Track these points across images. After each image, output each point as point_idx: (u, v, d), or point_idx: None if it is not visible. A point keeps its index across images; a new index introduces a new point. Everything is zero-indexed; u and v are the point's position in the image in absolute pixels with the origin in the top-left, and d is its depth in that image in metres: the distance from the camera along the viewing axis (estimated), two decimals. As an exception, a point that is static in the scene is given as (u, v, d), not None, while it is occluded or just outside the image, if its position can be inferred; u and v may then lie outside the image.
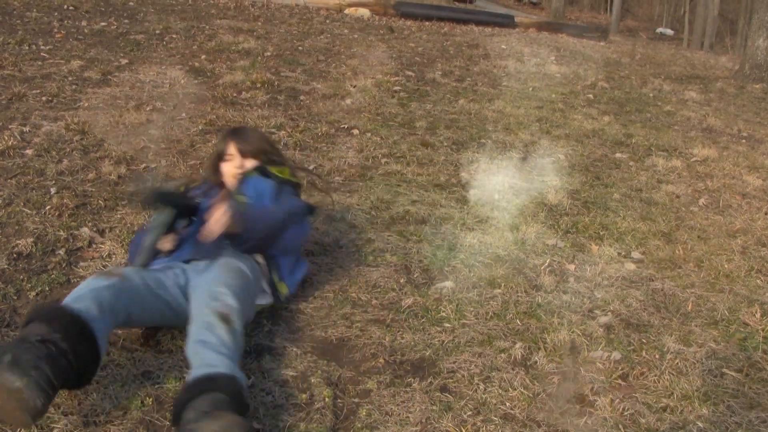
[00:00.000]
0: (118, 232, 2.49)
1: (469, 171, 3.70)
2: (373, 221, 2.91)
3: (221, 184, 2.22)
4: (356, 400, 1.76)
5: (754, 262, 2.89)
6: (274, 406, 1.68)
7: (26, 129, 3.44)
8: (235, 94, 4.61)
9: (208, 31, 6.66)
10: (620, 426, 1.74)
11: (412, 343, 2.03)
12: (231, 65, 5.37)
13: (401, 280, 2.41)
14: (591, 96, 6.23)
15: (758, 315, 2.39)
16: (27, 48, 5.05)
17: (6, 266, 2.19)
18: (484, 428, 1.68)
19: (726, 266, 2.82)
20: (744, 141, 5.23)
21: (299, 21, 8.21)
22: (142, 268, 1.89)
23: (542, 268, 2.61)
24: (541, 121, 4.99)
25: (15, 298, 2.04)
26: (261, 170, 2.24)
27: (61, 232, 2.43)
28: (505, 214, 3.12)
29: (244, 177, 2.21)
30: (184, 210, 2.01)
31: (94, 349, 1.55)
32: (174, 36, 6.22)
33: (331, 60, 6.21)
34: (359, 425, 1.66)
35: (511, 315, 2.24)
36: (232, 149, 2.25)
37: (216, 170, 2.28)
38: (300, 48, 6.56)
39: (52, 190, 2.77)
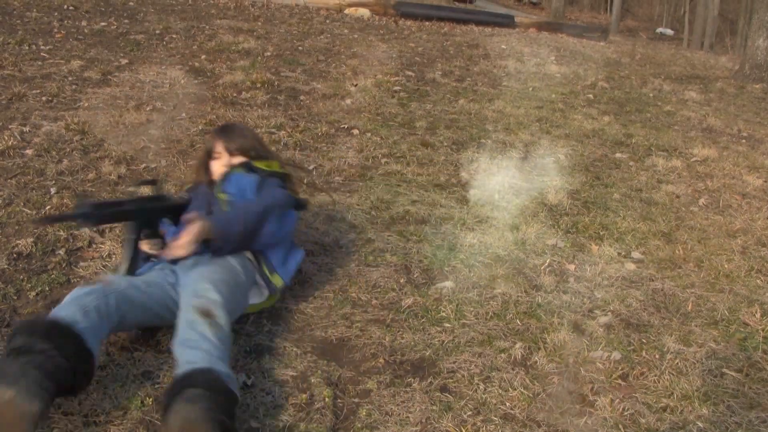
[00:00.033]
0: (118, 232, 2.49)
1: (469, 171, 3.70)
2: (373, 221, 2.91)
3: (211, 183, 2.23)
4: (356, 400, 1.76)
5: (754, 262, 2.89)
6: (274, 406, 1.68)
7: (26, 129, 3.44)
8: (235, 94, 4.61)
9: (208, 31, 6.66)
10: (620, 426, 1.74)
11: (412, 343, 2.03)
12: (231, 65, 5.37)
13: (401, 280, 2.41)
14: (591, 96, 6.23)
15: (758, 315, 2.39)
16: (27, 48, 5.05)
17: (6, 266, 2.19)
18: (484, 428, 1.68)
19: (726, 266, 2.82)
20: (744, 141, 5.23)
21: (299, 21, 8.21)
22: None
23: (542, 268, 2.61)
24: (541, 121, 4.99)
25: (15, 298, 2.04)
26: (246, 166, 2.23)
27: (61, 232, 2.43)
28: (505, 214, 3.12)
29: (227, 174, 2.21)
30: (148, 216, 1.98)
31: (83, 348, 1.55)
32: (174, 36, 6.22)
33: (331, 60, 6.21)
34: (359, 425, 1.66)
35: (511, 315, 2.24)
36: (219, 147, 2.26)
37: (207, 169, 2.29)
38: (300, 48, 6.56)
39: (52, 190, 2.77)
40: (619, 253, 2.85)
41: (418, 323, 2.14)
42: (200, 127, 3.79)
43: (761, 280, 2.73)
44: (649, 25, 29.19)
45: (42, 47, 5.13)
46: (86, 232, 2.45)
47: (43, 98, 3.98)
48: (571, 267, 2.66)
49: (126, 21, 6.56)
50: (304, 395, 1.74)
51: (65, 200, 2.66)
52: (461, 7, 14.68)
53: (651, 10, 31.84)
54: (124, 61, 5.07)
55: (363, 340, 2.02)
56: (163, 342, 1.91)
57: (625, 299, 2.44)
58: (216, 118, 3.97)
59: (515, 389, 1.84)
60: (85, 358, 1.56)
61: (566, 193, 3.46)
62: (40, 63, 4.73)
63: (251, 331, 2.00)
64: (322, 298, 2.25)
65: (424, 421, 1.69)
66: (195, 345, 1.61)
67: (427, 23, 9.89)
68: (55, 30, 5.75)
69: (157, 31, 6.29)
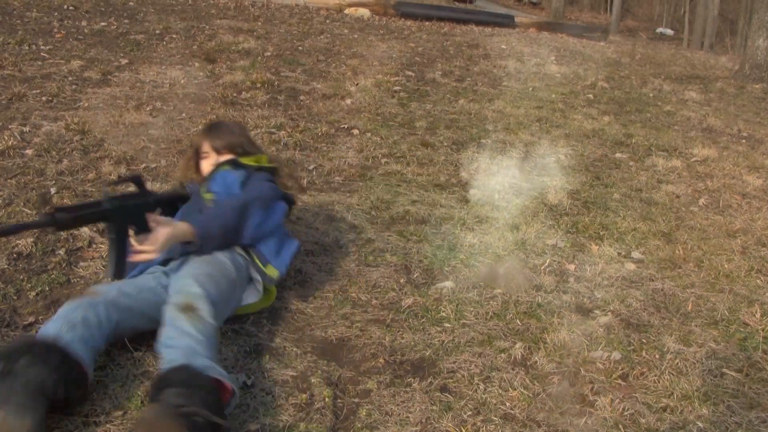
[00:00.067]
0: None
1: (469, 171, 3.70)
2: (373, 221, 2.91)
3: (203, 181, 2.23)
4: (356, 400, 1.76)
5: (754, 262, 2.89)
6: (274, 406, 1.68)
7: (26, 129, 3.44)
8: (235, 94, 4.61)
9: (208, 31, 6.66)
10: (620, 426, 1.74)
11: (412, 343, 2.03)
12: (231, 65, 5.38)
13: (401, 280, 2.41)
14: (591, 96, 6.23)
15: (758, 315, 2.39)
16: (27, 48, 5.05)
17: (6, 266, 2.19)
18: (484, 428, 1.68)
19: (726, 266, 2.82)
20: (744, 141, 5.23)
21: (299, 21, 8.21)
22: (119, 279, 1.89)
23: (542, 268, 2.61)
24: (541, 121, 4.99)
25: (15, 298, 2.04)
26: (233, 163, 2.22)
27: (61, 232, 2.43)
28: (505, 214, 3.12)
29: (213, 173, 2.20)
30: (129, 214, 1.91)
31: (69, 358, 1.54)
32: (174, 36, 6.22)
33: (331, 60, 6.21)
34: (359, 425, 1.66)
35: (511, 315, 2.24)
36: (206, 147, 2.26)
37: (197, 168, 2.29)
38: (300, 48, 6.56)
39: (52, 190, 2.77)
40: (619, 253, 2.85)
41: (418, 323, 2.14)
42: (200, 127, 3.79)
43: (761, 280, 2.73)
44: (649, 25, 29.20)
45: (42, 47, 5.13)
46: (86, 231, 2.45)
47: (43, 98, 3.98)
48: (571, 267, 2.66)
49: (126, 21, 6.56)
50: (304, 395, 1.74)
51: (65, 200, 2.67)
52: (461, 7, 14.68)
53: (651, 10, 31.84)
54: (124, 61, 5.07)
55: (363, 340, 2.02)
56: (163, 342, 1.91)
57: (625, 299, 2.44)
58: (216, 118, 3.97)
59: (515, 389, 1.84)
60: (72, 367, 1.54)
61: (566, 193, 3.46)
62: (40, 63, 4.73)
63: (251, 331, 2.00)
64: (322, 298, 2.24)
65: (424, 421, 1.68)
66: (173, 343, 1.60)
67: (427, 23, 9.89)
68: (55, 30, 5.75)
69: (157, 31, 6.29)
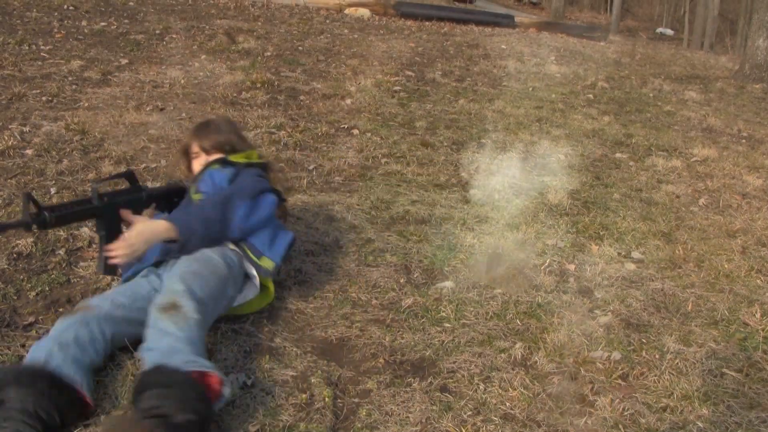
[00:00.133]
0: (118, 232, 2.49)
1: (469, 171, 3.70)
2: (373, 221, 2.91)
3: (193, 181, 2.22)
4: (356, 400, 1.76)
5: (754, 262, 2.89)
6: (274, 406, 1.68)
7: (26, 129, 3.44)
8: (235, 94, 4.61)
9: (208, 31, 6.66)
10: (620, 426, 1.74)
11: (412, 343, 2.03)
12: (231, 65, 5.38)
13: (401, 280, 2.41)
14: (591, 96, 6.23)
15: (758, 315, 2.39)
16: (27, 48, 5.05)
17: (6, 266, 2.19)
18: (484, 428, 1.68)
19: (726, 266, 2.82)
20: (744, 141, 5.23)
21: (299, 21, 8.21)
22: (111, 275, 1.88)
23: (542, 268, 2.61)
24: (541, 121, 4.99)
25: (15, 298, 2.04)
26: (222, 161, 2.21)
27: (61, 232, 2.43)
28: (505, 214, 3.12)
29: (201, 173, 2.19)
30: (119, 210, 1.90)
31: (59, 382, 1.53)
32: (174, 36, 6.22)
33: (331, 60, 6.21)
34: (359, 425, 1.66)
35: (511, 315, 2.24)
36: (195, 147, 2.25)
37: (189, 168, 2.28)
38: (300, 48, 6.56)
39: (52, 190, 2.77)
40: (619, 253, 2.85)
41: (418, 323, 2.14)
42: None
43: (761, 280, 2.73)
44: (649, 25, 29.19)
45: (42, 47, 5.13)
46: (86, 231, 2.45)
47: (43, 98, 3.99)
48: (571, 267, 2.66)
49: (126, 21, 6.56)
50: (304, 395, 1.74)
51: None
52: (461, 7, 14.68)
53: (651, 10, 31.84)
54: (124, 61, 5.07)
55: (363, 340, 2.02)
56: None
57: (625, 299, 2.44)
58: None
59: (515, 389, 1.84)
60: (63, 390, 1.53)
61: (566, 193, 3.46)
62: (40, 63, 4.73)
63: (251, 331, 2.00)
64: (322, 298, 2.24)
65: (424, 421, 1.68)
66: (153, 346, 1.59)
67: (427, 23, 9.89)
68: (55, 30, 5.75)
69: (157, 31, 6.29)
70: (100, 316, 1.73)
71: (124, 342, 1.78)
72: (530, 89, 6.15)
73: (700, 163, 4.42)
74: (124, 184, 2.04)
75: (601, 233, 3.04)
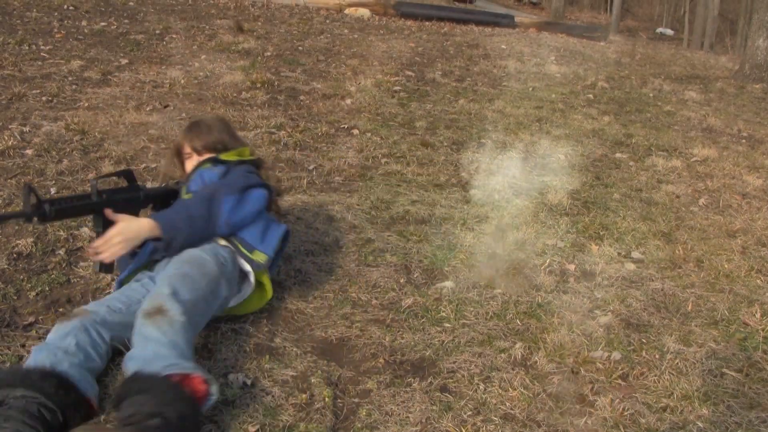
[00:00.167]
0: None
1: (469, 171, 3.70)
2: (373, 221, 2.91)
3: (187, 180, 2.22)
4: (356, 400, 1.76)
5: (754, 262, 2.89)
6: (274, 406, 1.68)
7: (26, 129, 3.44)
8: (235, 94, 4.61)
9: (208, 31, 6.66)
10: (620, 426, 1.74)
11: (412, 343, 2.03)
12: (231, 65, 5.38)
13: (401, 280, 2.41)
14: (591, 96, 6.23)
15: (758, 315, 2.39)
16: (27, 48, 5.05)
17: (6, 266, 2.19)
18: (484, 428, 1.68)
19: (726, 266, 2.82)
20: (744, 141, 5.23)
21: (299, 21, 8.21)
22: (108, 273, 1.88)
23: (542, 268, 2.61)
24: (541, 121, 4.99)
25: (15, 298, 2.04)
26: (213, 160, 2.20)
27: (61, 232, 2.43)
28: (505, 214, 3.12)
29: (192, 173, 2.19)
30: (118, 208, 1.89)
31: (65, 384, 1.53)
32: (174, 36, 6.22)
33: (331, 60, 6.21)
34: (359, 425, 1.66)
35: (511, 315, 2.24)
36: (187, 148, 2.25)
37: (183, 168, 2.28)
38: (300, 48, 6.56)
39: (52, 190, 2.77)
40: (619, 253, 2.85)
41: (418, 323, 2.14)
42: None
43: (761, 280, 2.73)
44: (649, 25, 29.19)
45: (42, 47, 5.14)
46: (86, 231, 2.45)
47: (43, 98, 3.99)
48: (571, 267, 2.66)
49: (126, 21, 6.56)
50: (304, 395, 1.74)
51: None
52: (461, 7, 14.68)
53: (651, 10, 31.84)
54: (124, 61, 5.07)
55: (363, 340, 2.02)
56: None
57: (625, 299, 2.44)
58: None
59: (515, 389, 1.84)
60: (69, 391, 1.53)
61: (566, 193, 3.46)
62: (40, 63, 4.73)
63: (251, 331, 2.00)
64: (322, 298, 2.24)
65: (424, 421, 1.68)
66: (135, 355, 1.58)
67: (427, 23, 9.89)
68: (55, 30, 5.75)
69: (157, 31, 6.29)
70: (97, 320, 1.73)
71: (122, 345, 1.77)
72: (530, 89, 6.15)
73: (700, 163, 4.42)
74: (122, 184, 2.04)
75: (601, 233, 3.04)
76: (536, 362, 1.99)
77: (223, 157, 2.20)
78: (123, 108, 3.98)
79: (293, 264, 2.43)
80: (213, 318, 2.01)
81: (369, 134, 4.14)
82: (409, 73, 6.12)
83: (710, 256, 2.92)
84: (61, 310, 2.00)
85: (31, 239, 2.34)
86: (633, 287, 2.55)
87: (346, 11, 9.77)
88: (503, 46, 8.46)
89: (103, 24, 6.25)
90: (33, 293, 2.07)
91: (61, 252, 2.32)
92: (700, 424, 1.77)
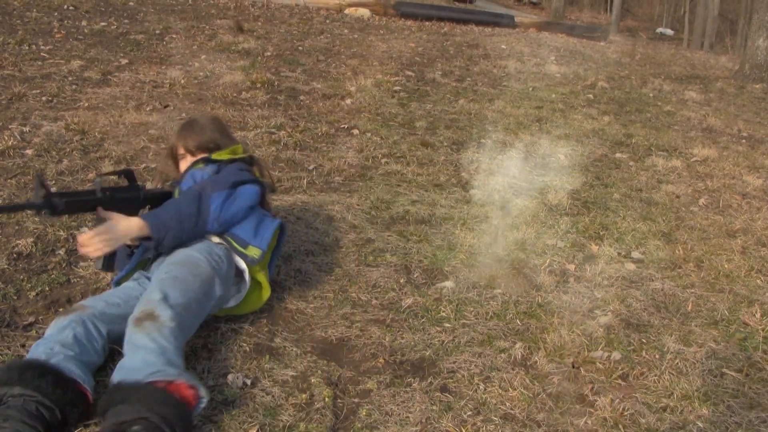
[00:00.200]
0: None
1: (469, 171, 3.70)
2: (373, 221, 2.91)
3: (180, 180, 2.22)
4: (356, 400, 1.76)
5: (754, 262, 2.89)
6: (274, 406, 1.68)
7: (26, 129, 3.44)
8: (235, 94, 4.61)
9: (208, 31, 6.66)
10: (620, 426, 1.74)
11: (412, 343, 2.03)
12: (231, 65, 5.38)
13: (401, 280, 2.41)
14: (591, 96, 6.23)
15: (758, 315, 2.39)
16: (27, 48, 5.05)
17: (6, 266, 2.19)
18: (484, 428, 1.68)
19: (726, 266, 2.82)
20: (744, 141, 5.23)
21: (299, 21, 8.21)
22: (110, 271, 1.89)
23: (542, 268, 2.61)
24: (541, 121, 4.99)
25: (15, 298, 2.04)
26: (205, 160, 2.20)
27: (61, 232, 2.43)
28: (505, 214, 3.12)
29: (184, 173, 2.19)
30: (121, 207, 1.91)
31: (62, 379, 1.53)
32: (174, 36, 6.22)
33: (331, 60, 6.21)
34: (359, 425, 1.66)
35: (511, 315, 2.24)
36: (180, 149, 2.25)
37: (177, 168, 2.28)
38: (300, 48, 6.56)
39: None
40: (619, 253, 2.85)
41: (418, 323, 2.14)
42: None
43: (761, 280, 2.73)
44: (649, 25, 29.19)
45: (42, 47, 5.13)
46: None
47: (43, 98, 3.99)
48: (571, 267, 2.66)
49: (126, 21, 6.56)
50: (304, 395, 1.74)
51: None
52: (461, 7, 14.68)
53: (651, 10, 31.84)
54: (124, 61, 5.07)
55: (363, 340, 2.02)
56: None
57: (625, 299, 2.44)
58: (221, 119, 3.97)
59: (515, 389, 1.84)
60: (67, 387, 1.53)
61: (566, 193, 3.46)
62: (40, 63, 4.73)
63: (251, 331, 2.00)
64: (322, 298, 2.24)
65: (424, 421, 1.68)
66: (123, 365, 1.57)
67: (427, 23, 9.89)
68: (55, 30, 5.75)
69: (157, 31, 6.29)
70: (95, 314, 1.73)
71: (120, 340, 1.76)
72: (530, 89, 6.15)
73: (700, 163, 4.42)
74: (121, 183, 2.05)
75: (601, 233, 3.04)
76: (536, 362, 1.99)
77: (215, 156, 2.20)
78: (123, 108, 3.98)
79: (293, 264, 2.43)
80: (213, 318, 2.02)
81: (369, 134, 4.14)
82: (409, 73, 6.12)
83: (710, 256, 2.92)
84: (60, 310, 2.00)
85: (31, 239, 2.34)
86: (633, 287, 2.55)
87: (346, 11, 9.77)
88: (503, 46, 8.46)
89: (103, 24, 6.25)
90: (33, 293, 2.07)
91: (61, 252, 2.32)
92: (700, 424, 1.77)
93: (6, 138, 3.21)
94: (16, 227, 2.43)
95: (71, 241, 2.40)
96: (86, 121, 3.62)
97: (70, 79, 4.45)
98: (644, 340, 2.17)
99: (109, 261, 1.87)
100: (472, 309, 2.25)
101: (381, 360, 1.93)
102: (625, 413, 1.79)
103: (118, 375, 1.54)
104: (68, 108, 3.89)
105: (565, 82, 6.70)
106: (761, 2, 8.71)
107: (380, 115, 4.61)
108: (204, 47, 5.91)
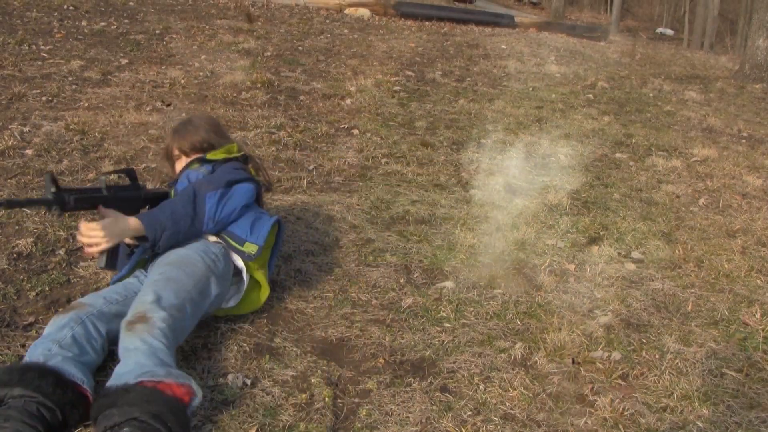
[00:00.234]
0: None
1: (469, 171, 3.70)
2: (373, 221, 2.91)
3: (175, 181, 2.22)
4: (356, 400, 1.76)
5: (754, 262, 2.89)
6: (274, 406, 1.68)
7: (26, 129, 3.44)
8: (235, 94, 4.61)
9: (208, 31, 6.66)
10: (620, 426, 1.74)
11: (412, 343, 2.03)
12: (231, 65, 5.38)
13: (401, 280, 2.41)
14: (591, 96, 6.23)
15: (758, 315, 2.39)
16: (27, 48, 5.05)
17: (6, 266, 2.19)
18: (484, 428, 1.68)
19: (726, 266, 2.82)
20: (744, 141, 5.23)
21: (299, 21, 8.21)
22: (112, 269, 1.90)
23: (542, 268, 2.61)
24: (541, 121, 4.99)
25: (15, 298, 2.04)
26: (200, 160, 2.20)
27: (61, 232, 2.43)
28: (505, 214, 3.12)
29: (180, 174, 2.19)
30: (124, 205, 1.93)
31: (62, 381, 1.53)
32: (174, 36, 6.22)
33: (331, 60, 6.21)
34: (359, 425, 1.66)
35: (511, 315, 2.24)
36: (175, 150, 2.25)
37: (173, 168, 2.29)
38: (300, 48, 6.56)
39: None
40: (619, 253, 2.85)
41: (418, 323, 2.14)
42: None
43: (761, 280, 2.73)
44: (649, 25, 29.19)
45: (42, 47, 5.13)
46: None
47: (43, 98, 3.99)
48: (571, 267, 2.66)
49: (126, 21, 6.56)
50: (304, 395, 1.74)
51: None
52: (461, 7, 14.68)
53: (651, 10, 31.84)
54: (124, 61, 5.07)
55: (363, 340, 2.02)
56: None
57: (625, 299, 2.44)
58: (216, 118, 3.97)
59: (515, 389, 1.84)
60: (67, 388, 1.53)
61: (566, 193, 3.46)
62: (40, 63, 4.73)
63: (251, 331, 2.00)
64: (322, 298, 2.24)
65: (424, 421, 1.68)
66: (118, 371, 1.56)
67: (427, 23, 9.89)
68: (55, 30, 5.75)
69: (157, 31, 6.29)
70: (93, 313, 1.73)
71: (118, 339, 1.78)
72: (530, 89, 6.15)
73: (700, 163, 4.42)
74: (122, 183, 2.05)
75: (601, 233, 3.04)
76: (536, 362, 1.99)
77: (210, 156, 2.20)
78: (123, 108, 3.98)
79: (293, 264, 2.44)
80: (213, 318, 2.02)
81: (369, 134, 4.14)
82: (409, 73, 6.12)
83: (710, 256, 2.92)
84: (60, 310, 2.00)
85: (31, 239, 2.34)
86: (633, 287, 2.55)
87: (346, 11, 9.77)
88: (503, 46, 8.46)
89: (103, 24, 6.25)
90: (33, 293, 2.07)
91: (61, 252, 2.32)
92: (700, 424, 1.77)
93: (6, 138, 3.21)
94: (16, 227, 2.43)
95: (71, 241, 2.40)
96: (86, 121, 3.62)
97: (70, 79, 4.45)
98: (644, 340, 2.17)
99: (111, 260, 1.88)
100: (472, 309, 2.25)
101: (381, 360, 1.93)
102: (625, 413, 1.79)
103: (110, 381, 1.54)
104: (68, 108, 3.89)
105: (565, 82, 6.70)
106: (761, 2, 8.71)
107: (380, 115, 4.61)
108: (204, 47, 5.91)
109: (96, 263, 1.96)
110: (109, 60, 5.04)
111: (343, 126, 4.24)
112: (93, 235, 1.78)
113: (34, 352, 1.60)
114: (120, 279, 1.99)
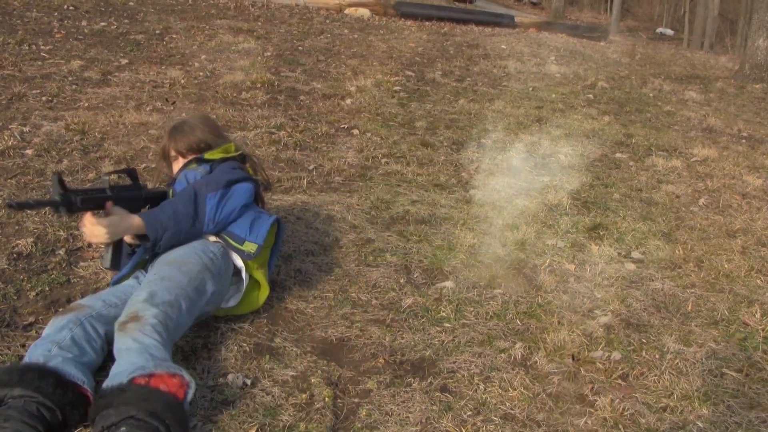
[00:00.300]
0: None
1: (469, 171, 3.70)
2: (373, 221, 2.91)
3: (173, 182, 2.22)
4: (356, 400, 1.76)
5: (754, 262, 2.89)
6: (274, 406, 1.68)
7: (26, 129, 3.44)
8: (235, 94, 4.61)
9: (208, 31, 6.66)
10: (620, 426, 1.74)
11: (412, 343, 2.03)
12: (231, 65, 5.38)
13: (401, 280, 2.41)
14: (591, 96, 6.23)
15: (758, 315, 2.39)
16: (27, 48, 5.05)
17: (6, 266, 2.19)
18: (484, 428, 1.68)
19: (726, 266, 2.82)
20: (744, 141, 5.23)
21: (299, 21, 8.21)
22: (116, 269, 1.91)
23: (542, 268, 2.61)
24: (541, 121, 4.99)
25: (15, 298, 2.04)
26: (197, 160, 2.20)
27: (61, 232, 2.43)
28: (505, 214, 3.12)
29: (177, 174, 2.19)
30: (127, 205, 1.93)
31: (62, 382, 1.53)
32: (174, 36, 6.22)
33: (331, 60, 6.21)
34: (359, 425, 1.66)
35: (511, 315, 2.24)
36: (172, 151, 2.25)
37: (171, 169, 2.28)
38: (300, 48, 6.56)
39: (52, 190, 2.77)
40: (619, 253, 2.85)
41: (418, 323, 2.14)
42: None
43: (761, 280, 2.73)
44: (649, 25, 29.19)
45: (42, 47, 5.13)
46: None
47: (43, 98, 3.99)
48: (571, 267, 2.66)
49: (126, 21, 6.56)
50: (304, 395, 1.74)
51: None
52: (461, 7, 14.67)
53: (651, 10, 31.84)
54: (124, 61, 5.07)
55: (363, 340, 2.02)
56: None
57: (625, 299, 2.44)
58: (216, 118, 3.97)
59: (515, 389, 1.84)
60: (67, 389, 1.53)
61: (566, 193, 3.46)
62: (40, 63, 4.73)
63: (251, 331, 2.00)
64: (322, 298, 2.24)
65: (424, 421, 1.68)
66: (111, 372, 1.57)
67: (427, 23, 9.89)
68: (55, 30, 5.75)
69: (157, 31, 6.29)
70: (92, 315, 1.74)
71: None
72: (530, 89, 6.15)
73: (700, 163, 4.42)
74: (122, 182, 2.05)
75: (601, 233, 3.04)
76: (536, 362, 1.99)
77: (207, 155, 2.20)
78: (123, 108, 3.98)
79: (293, 264, 2.44)
80: (213, 318, 2.02)
81: (369, 134, 4.14)
82: (409, 73, 6.12)
83: (710, 256, 2.92)
84: (60, 310, 2.00)
85: (31, 239, 2.34)
86: (633, 287, 2.55)
87: (346, 11, 9.77)
88: (503, 46, 8.46)
89: (103, 24, 6.25)
90: (33, 293, 2.07)
91: (61, 252, 2.32)
92: (700, 424, 1.77)
93: (6, 138, 3.21)
94: (16, 227, 2.43)
95: (71, 241, 2.40)
96: (86, 121, 3.62)
97: (70, 79, 4.45)
98: (644, 340, 2.17)
99: (115, 259, 1.90)
100: (472, 309, 2.25)
101: (381, 360, 1.93)
102: (625, 413, 1.79)
103: (106, 382, 1.55)
104: (68, 108, 3.89)
105: (565, 82, 6.70)
106: (761, 2, 8.71)
107: (380, 115, 4.62)
108: (204, 47, 5.91)
109: (101, 262, 1.97)
110: (109, 60, 5.04)
111: (343, 126, 4.24)
112: (97, 229, 1.79)
113: (34, 353, 1.60)
114: (120, 279, 1.99)
